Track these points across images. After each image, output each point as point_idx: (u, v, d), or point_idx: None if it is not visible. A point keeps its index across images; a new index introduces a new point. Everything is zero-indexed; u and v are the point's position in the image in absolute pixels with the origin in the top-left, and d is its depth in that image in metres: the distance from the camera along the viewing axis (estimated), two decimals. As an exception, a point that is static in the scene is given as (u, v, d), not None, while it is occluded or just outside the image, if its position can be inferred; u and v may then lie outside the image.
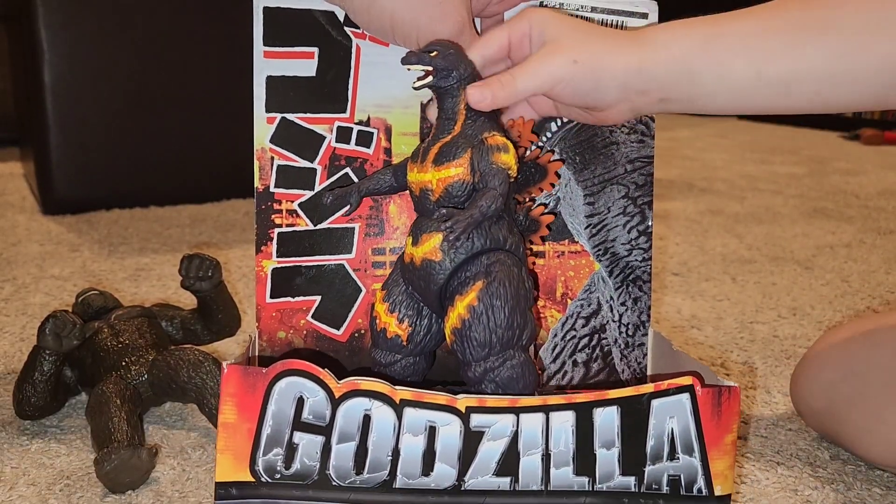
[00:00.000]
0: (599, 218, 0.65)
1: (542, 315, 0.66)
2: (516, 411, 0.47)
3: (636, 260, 0.66)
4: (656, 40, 0.55)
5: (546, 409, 0.47)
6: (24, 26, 1.51)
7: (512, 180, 0.54)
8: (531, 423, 0.47)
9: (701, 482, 0.50)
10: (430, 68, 0.53)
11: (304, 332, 0.63)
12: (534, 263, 0.65)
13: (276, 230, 0.61)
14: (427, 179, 0.54)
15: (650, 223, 0.66)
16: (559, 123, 0.64)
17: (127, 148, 1.57)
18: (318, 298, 0.63)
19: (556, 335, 0.66)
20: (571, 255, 0.65)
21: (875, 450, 0.67)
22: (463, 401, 0.47)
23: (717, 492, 0.50)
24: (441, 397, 0.47)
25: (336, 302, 0.63)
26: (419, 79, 0.54)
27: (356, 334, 0.63)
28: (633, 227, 0.66)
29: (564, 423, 0.48)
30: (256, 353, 0.62)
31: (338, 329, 0.63)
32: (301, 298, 0.62)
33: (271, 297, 0.62)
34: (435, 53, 0.53)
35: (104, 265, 1.23)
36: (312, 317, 0.63)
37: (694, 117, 3.50)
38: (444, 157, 0.54)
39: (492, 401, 0.47)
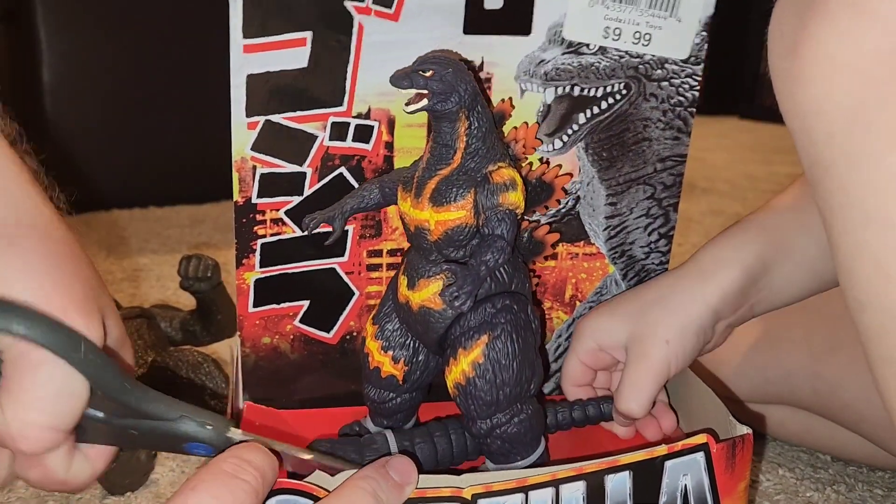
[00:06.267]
0: (620, 220, 0.60)
1: (548, 317, 0.62)
2: (525, 490, 0.45)
3: (653, 263, 0.62)
4: (718, 260, 0.57)
5: (556, 483, 0.45)
6: (22, 26, 1.48)
7: (519, 218, 0.49)
8: (540, 497, 0.45)
9: (714, 532, 0.49)
10: (426, 92, 0.47)
11: (291, 336, 0.58)
12: (539, 278, 0.61)
13: (260, 241, 0.55)
14: (423, 218, 0.49)
15: (674, 225, 0.61)
16: (588, 115, 0.57)
17: (126, 148, 1.55)
18: (306, 303, 0.58)
19: (560, 335, 0.63)
20: (585, 258, 0.61)
21: (743, 387, 0.72)
22: (469, 489, 0.44)
23: None
24: (445, 489, 0.44)
25: (326, 306, 0.58)
26: (410, 101, 0.47)
27: (347, 336, 0.60)
28: (655, 230, 0.61)
29: (575, 492, 0.46)
30: (239, 359, 0.58)
31: (328, 332, 0.59)
32: (287, 304, 0.58)
33: (255, 306, 0.57)
34: (431, 73, 0.46)
35: (103, 266, 1.22)
36: (300, 321, 0.58)
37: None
38: (443, 198, 0.48)
39: (499, 484, 0.45)
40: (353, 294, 0.59)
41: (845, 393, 0.66)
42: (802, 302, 0.70)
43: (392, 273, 0.58)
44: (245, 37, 0.50)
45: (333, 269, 0.58)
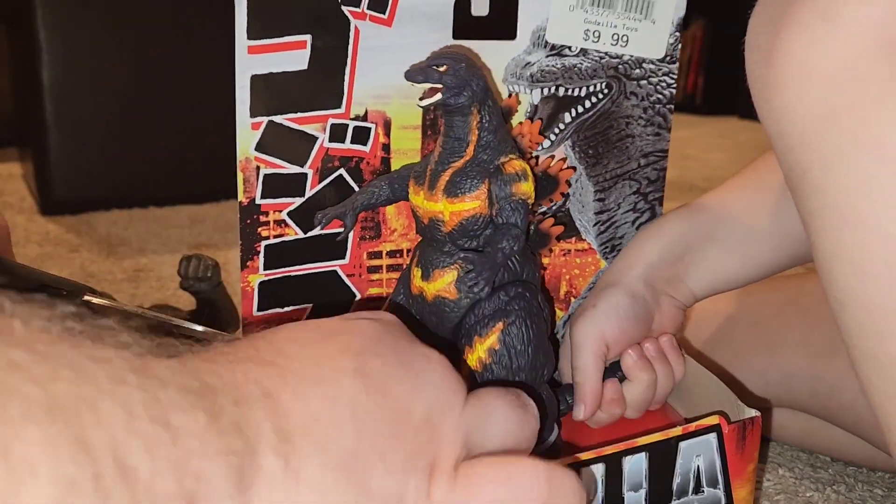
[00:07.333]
0: (609, 215, 0.62)
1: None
2: None
3: (642, 257, 0.64)
4: (642, 238, 0.60)
5: (577, 466, 0.47)
6: (23, 27, 1.48)
7: (531, 208, 0.51)
8: None
9: (724, 510, 0.50)
10: (440, 86, 0.48)
11: (296, 341, 0.60)
12: (543, 269, 0.62)
13: (263, 243, 0.56)
14: (438, 210, 0.50)
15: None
16: (573, 114, 0.59)
17: (126, 148, 1.55)
18: (309, 307, 0.58)
19: (557, 332, 0.63)
20: (578, 254, 0.62)
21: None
22: None
23: None
24: None
25: (329, 309, 0.57)
26: (424, 95, 0.48)
27: (350, 341, 0.61)
28: (643, 224, 0.63)
29: (594, 474, 0.48)
30: None
31: (331, 336, 0.60)
32: (291, 308, 0.58)
33: (259, 309, 0.57)
34: (444, 68, 0.48)
35: (103, 266, 1.21)
36: (304, 325, 0.60)
37: (693, 117, 3.49)
38: (457, 189, 0.49)
39: None
40: (355, 297, 0.59)
41: (844, 395, 0.67)
42: (800, 305, 0.70)
43: (392, 275, 0.59)
44: (249, 38, 0.51)
45: (335, 272, 0.58)
